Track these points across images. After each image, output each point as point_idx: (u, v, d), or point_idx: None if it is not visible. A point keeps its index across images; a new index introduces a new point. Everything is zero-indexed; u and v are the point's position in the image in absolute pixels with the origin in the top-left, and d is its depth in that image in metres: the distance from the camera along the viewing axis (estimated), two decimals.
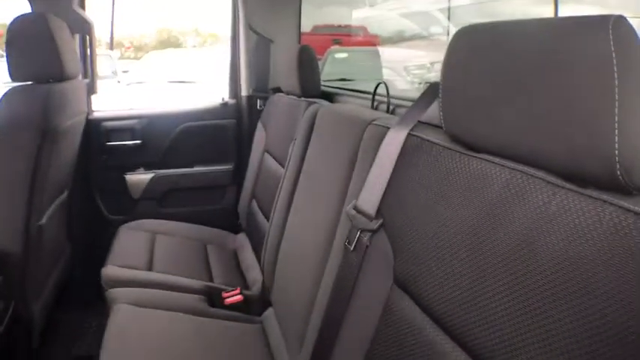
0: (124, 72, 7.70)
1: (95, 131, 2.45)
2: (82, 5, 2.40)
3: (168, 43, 15.53)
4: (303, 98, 1.94)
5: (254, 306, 1.72)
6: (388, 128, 1.09)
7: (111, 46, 10.33)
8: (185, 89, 5.53)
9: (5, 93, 1.73)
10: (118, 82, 7.16)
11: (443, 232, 0.81)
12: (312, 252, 1.31)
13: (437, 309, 0.79)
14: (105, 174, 2.50)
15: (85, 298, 2.26)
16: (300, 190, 1.56)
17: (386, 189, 1.01)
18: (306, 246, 1.37)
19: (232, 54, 2.61)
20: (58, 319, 2.14)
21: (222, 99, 2.64)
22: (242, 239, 2.22)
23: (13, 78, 1.84)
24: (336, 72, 5.85)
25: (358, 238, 1.04)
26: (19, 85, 1.79)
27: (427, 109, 1.07)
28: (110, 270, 1.80)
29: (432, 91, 1.09)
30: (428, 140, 0.94)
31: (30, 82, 1.80)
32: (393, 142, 1.03)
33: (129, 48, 15.85)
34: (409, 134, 1.01)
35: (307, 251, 1.35)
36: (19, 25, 1.82)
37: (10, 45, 1.80)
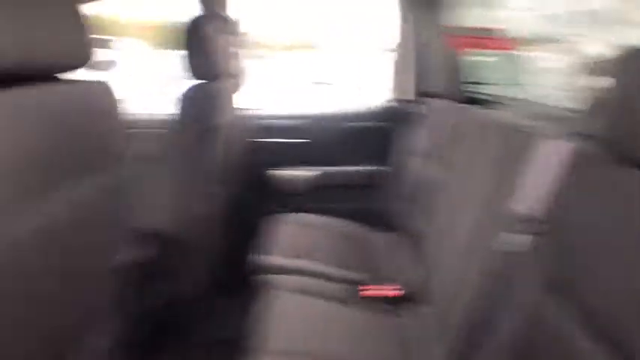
0: (262, 72, 8.03)
1: (253, 128, 2.63)
2: (226, 7, 2.61)
3: (304, 44, 15.85)
4: (454, 103, 1.98)
5: (400, 301, 1.79)
6: (540, 135, 1.11)
7: (251, 46, 10.76)
8: (322, 90, 5.69)
9: (186, 90, 1.91)
10: (258, 82, 7.50)
11: (609, 244, 0.82)
12: (464, 254, 1.36)
13: (595, 317, 0.80)
14: (265, 169, 2.67)
15: (232, 285, 2.43)
16: (455, 192, 1.60)
17: (546, 195, 1.02)
18: (458, 248, 1.42)
19: (396, 59, 2.72)
20: (206, 303, 2.31)
21: (381, 102, 2.75)
22: (392, 238, 2.29)
23: (189, 76, 2.05)
24: (476, 76, 5.79)
25: (513, 241, 1.06)
26: (194, 83, 1.98)
27: (589, 119, 1.09)
28: (265, 258, 1.94)
29: (595, 102, 1.10)
30: (595, 152, 0.95)
31: (201, 81, 1.98)
32: (554, 150, 1.05)
33: (266, 47, 16.43)
34: (572, 143, 1.02)
35: (459, 253, 1.39)
36: (186, 26, 2.02)
37: (184, 45, 2.00)
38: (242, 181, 2.65)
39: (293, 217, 2.38)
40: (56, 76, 0.90)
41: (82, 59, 0.91)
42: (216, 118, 1.95)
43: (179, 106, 1.85)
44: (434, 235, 1.73)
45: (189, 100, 1.87)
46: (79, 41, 0.88)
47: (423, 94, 2.56)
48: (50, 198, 0.79)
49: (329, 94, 5.53)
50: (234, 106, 2.40)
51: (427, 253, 1.75)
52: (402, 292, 1.83)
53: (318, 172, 2.67)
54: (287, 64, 6.81)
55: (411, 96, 2.66)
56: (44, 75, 0.85)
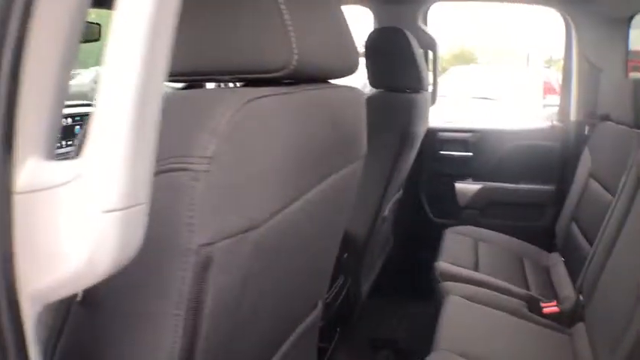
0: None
1: (431, 140, 2.75)
2: (425, 21, 2.74)
3: (462, 57, 15.71)
4: (635, 129, 1.98)
5: (566, 319, 1.85)
6: None
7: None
8: (487, 106, 5.66)
9: (367, 98, 2.05)
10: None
11: None
12: (637, 278, 1.40)
13: None
14: (435, 180, 2.80)
15: (406, 287, 2.55)
16: (632, 218, 1.63)
17: None
18: (632, 272, 1.46)
19: (563, 79, 2.76)
20: (379, 302, 2.44)
21: (552, 122, 2.79)
22: (555, 258, 2.34)
23: (372, 84, 2.20)
24: None
25: None
26: (379, 92, 2.13)
27: None
28: (442, 265, 2.08)
29: None
30: None
31: (384, 90, 2.12)
32: None
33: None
34: None
35: (632, 277, 1.43)
36: (377, 38, 2.16)
37: (368, 55, 2.14)
38: (422, 190, 2.81)
39: (464, 228, 2.49)
40: (327, 81, 1.02)
41: (352, 68, 1.03)
42: (412, 127, 2.10)
43: (379, 113, 1.98)
44: (597, 255, 1.77)
45: (379, 107, 2.00)
46: (350, 51, 1.01)
47: (590, 115, 2.57)
48: (316, 187, 0.91)
49: (492, 109, 5.50)
50: (428, 117, 2.54)
51: (590, 273, 1.80)
52: (564, 309, 1.89)
53: (480, 186, 2.77)
54: (454, 78, 6.80)
55: (577, 116, 2.67)
56: (319, 79, 0.97)
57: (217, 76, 0.84)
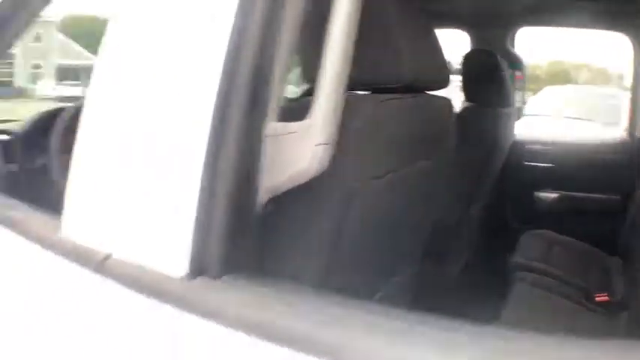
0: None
1: (516, 152, 3.06)
2: (513, 43, 3.08)
3: (559, 76, 15.36)
4: None
5: (614, 308, 2.17)
6: None
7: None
8: (578, 125, 5.75)
9: (461, 109, 2.36)
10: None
11: None
12: None
13: None
14: (519, 189, 3.11)
15: (475, 285, 2.70)
16: None
17: None
18: None
19: (632, 98, 3.02)
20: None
21: (621, 137, 3.10)
22: (616, 261, 2.59)
23: (466, 99, 2.54)
24: None
25: None
26: (472, 105, 2.45)
27: None
28: (516, 259, 2.41)
29: None
30: None
31: (475, 104, 2.44)
32: None
33: (519, 77, 16.16)
34: None
35: None
36: (473, 58, 2.53)
37: (464, 73, 2.49)
38: (504, 198, 3.11)
39: (540, 232, 2.74)
40: (424, 92, 1.25)
41: (444, 82, 1.31)
42: (501, 139, 2.39)
43: (472, 124, 2.25)
44: None
45: (470, 119, 2.29)
46: (442, 70, 1.28)
47: None
48: (407, 167, 1.17)
49: (582, 129, 5.64)
50: (513, 130, 2.86)
51: (636, 270, 2.10)
52: (613, 299, 2.21)
53: (557, 195, 3.06)
54: (550, 98, 6.89)
55: None
56: (420, 90, 1.20)
57: (357, 86, 1.09)
